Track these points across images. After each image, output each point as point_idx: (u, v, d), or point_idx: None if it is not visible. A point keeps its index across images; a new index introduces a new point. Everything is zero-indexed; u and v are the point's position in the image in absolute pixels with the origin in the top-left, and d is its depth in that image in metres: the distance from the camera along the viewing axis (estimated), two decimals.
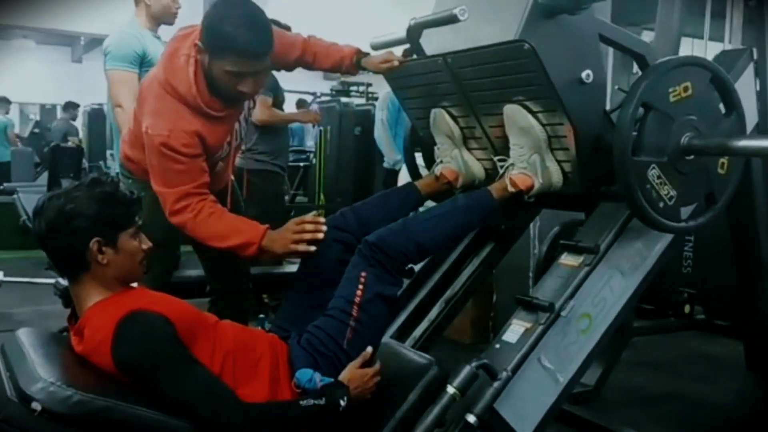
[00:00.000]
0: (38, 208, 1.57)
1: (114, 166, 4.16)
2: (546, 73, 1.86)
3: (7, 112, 10.24)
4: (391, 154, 4.83)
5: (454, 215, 2.04)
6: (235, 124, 2.21)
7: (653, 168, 1.86)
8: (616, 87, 3.78)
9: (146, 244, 1.65)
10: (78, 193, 1.56)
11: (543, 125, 2.00)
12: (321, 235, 1.94)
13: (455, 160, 2.30)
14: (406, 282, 2.33)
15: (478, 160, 2.31)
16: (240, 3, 1.97)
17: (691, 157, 1.91)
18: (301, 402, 1.55)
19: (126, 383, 1.46)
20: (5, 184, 7.42)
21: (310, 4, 9.12)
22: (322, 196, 5.98)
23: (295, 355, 1.75)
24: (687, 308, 3.44)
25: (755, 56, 2.40)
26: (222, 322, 1.73)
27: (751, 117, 2.35)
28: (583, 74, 1.93)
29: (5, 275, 4.36)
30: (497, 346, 1.83)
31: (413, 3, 2.49)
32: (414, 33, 2.19)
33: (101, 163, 8.27)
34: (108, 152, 7.42)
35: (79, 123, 10.08)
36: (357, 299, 1.77)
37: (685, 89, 1.88)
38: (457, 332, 3.77)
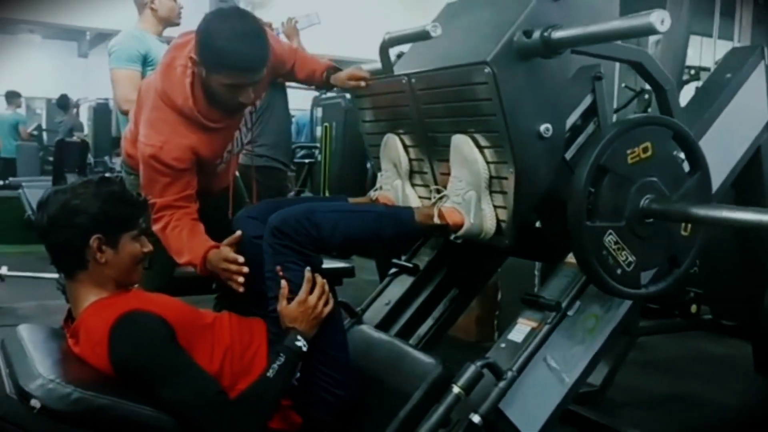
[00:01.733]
0: (43, 200, 1.57)
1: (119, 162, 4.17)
2: (501, 105, 1.76)
3: (18, 107, 10.25)
4: None
5: (365, 216, 1.92)
6: (236, 133, 2.20)
7: (610, 233, 1.74)
8: (623, 85, 3.76)
9: (147, 248, 1.64)
10: (84, 190, 1.56)
11: (487, 162, 1.89)
12: (241, 279, 1.85)
13: (395, 191, 2.20)
14: (410, 280, 2.31)
15: (419, 197, 2.19)
16: (232, 15, 1.93)
17: (651, 220, 1.79)
18: (268, 373, 1.56)
19: (124, 383, 1.45)
20: (10, 179, 7.43)
21: (314, 7, 9.09)
22: (327, 193, 5.96)
23: (270, 353, 1.72)
24: (694, 308, 3.42)
25: (766, 54, 2.36)
26: (219, 317, 1.73)
27: (762, 116, 2.33)
28: (542, 127, 1.83)
29: (9, 270, 4.36)
30: (503, 345, 1.80)
31: (424, 7, 2.45)
32: (386, 48, 2.14)
33: (106, 158, 8.27)
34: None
35: (84, 118, 10.09)
36: (286, 294, 1.71)
37: (645, 150, 1.77)
38: (461, 331, 3.76)
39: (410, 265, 2.33)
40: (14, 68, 13.03)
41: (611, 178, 1.74)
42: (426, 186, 2.18)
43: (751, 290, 2.98)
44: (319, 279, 1.69)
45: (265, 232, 1.77)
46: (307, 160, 6.81)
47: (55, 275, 3.18)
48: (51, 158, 9.32)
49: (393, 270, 2.37)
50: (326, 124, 6.02)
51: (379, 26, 2.41)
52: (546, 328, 1.77)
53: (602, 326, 1.88)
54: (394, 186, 2.20)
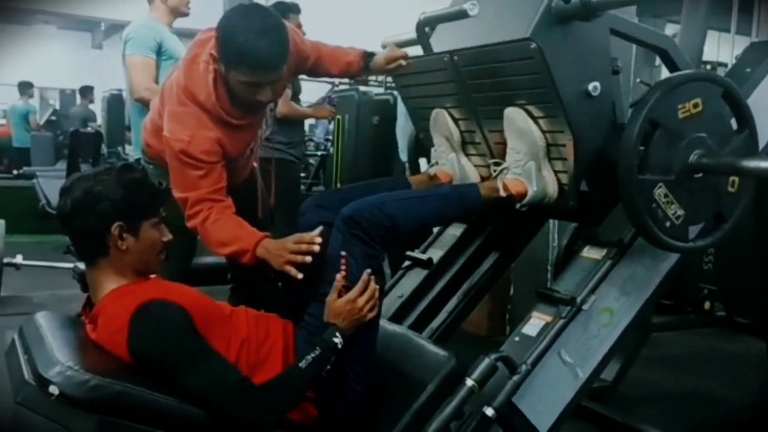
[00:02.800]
0: (66, 186, 1.59)
1: (132, 152, 4.18)
2: (551, 77, 1.81)
3: (30, 97, 10.29)
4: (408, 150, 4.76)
5: (433, 200, 1.97)
6: (258, 131, 2.20)
7: (660, 187, 1.79)
8: (638, 80, 3.74)
9: (166, 237, 1.65)
10: (107, 177, 1.57)
11: (543, 132, 1.94)
12: (317, 248, 1.83)
13: (451, 163, 2.23)
14: (424, 273, 2.31)
15: (475, 166, 2.23)
16: (252, 12, 1.92)
17: (700, 175, 1.84)
18: (300, 364, 1.56)
19: (142, 371, 1.46)
20: (24, 169, 7.47)
21: (327, 4, 9.07)
22: (339, 186, 5.96)
23: (299, 344, 1.74)
24: (707, 305, 3.40)
25: None
26: (237, 310, 1.73)
27: None
28: (590, 86, 1.87)
29: (24, 259, 4.39)
30: (516, 339, 1.80)
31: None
32: (422, 28, 2.14)
33: (119, 148, 8.30)
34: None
35: (98, 108, 10.12)
36: (343, 282, 1.71)
37: (695, 105, 1.81)
38: (473, 325, 3.75)
39: (424, 258, 2.33)
40: (29, 59, 13.08)
41: (662, 133, 1.79)
42: (481, 155, 2.22)
43: (765, 287, 2.96)
44: (372, 284, 1.69)
45: (336, 220, 1.80)
46: (319, 153, 6.82)
47: (69, 265, 3.21)
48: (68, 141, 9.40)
49: (407, 263, 2.38)
50: (339, 117, 6.02)
51: (382, 19, 2.40)
52: (560, 322, 1.78)
53: (617, 321, 1.88)
54: (450, 159, 2.24)
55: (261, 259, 1.91)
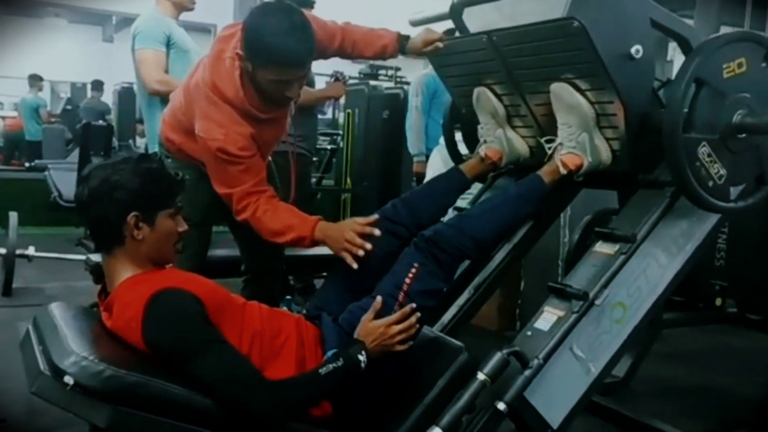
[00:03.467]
0: (85, 175, 1.60)
1: (143, 145, 4.18)
2: (595, 50, 1.83)
3: (40, 90, 10.33)
4: (417, 144, 4.74)
5: (507, 206, 2.06)
6: (286, 125, 2.21)
7: (704, 145, 1.81)
8: None
9: (182, 227, 1.66)
10: (125, 166, 1.58)
11: (591, 103, 1.97)
12: (369, 245, 1.91)
13: (498, 140, 2.28)
14: None
15: (523, 138, 2.28)
16: (276, 10, 1.93)
17: (743, 135, 1.85)
18: (320, 370, 1.56)
19: (156, 360, 1.46)
20: (36, 161, 7.51)
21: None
22: (348, 180, 5.97)
23: (327, 334, 1.75)
24: (718, 301, 3.38)
25: None
26: (250, 303, 1.74)
27: None
28: (633, 49, 1.89)
29: (36, 250, 4.41)
30: (529, 333, 1.80)
31: None
32: (457, 9, 2.16)
33: (130, 141, 8.33)
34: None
35: (109, 102, 10.16)
36: (405, 286, 1.80)
37: (740, 65, 1.83)
38: (483, 319, 3.75)
39: None
40: (39, 52, 13.12)
41: (707, 91, 1.80)
42: (528, 127, 2.26)
43: None
44: (412, 319, 1.70)
45: (417, 239, 1.91)
46: (329, 147, 6.82)
47: (81, 256, 3.22)
48: (70, 136, 9.42)
49: None
50: (349, 110, 6.02)
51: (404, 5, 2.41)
52: (573, 317, 1.77)
53: (630, 317, 1.87)
54: (497, 136, 2.29)
55: (317, 243, 1.99)
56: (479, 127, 2.35)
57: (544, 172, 2.10)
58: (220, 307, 1.59)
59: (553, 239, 3.47)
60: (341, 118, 6.70)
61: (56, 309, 1.68)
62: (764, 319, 3.37)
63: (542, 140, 2.17)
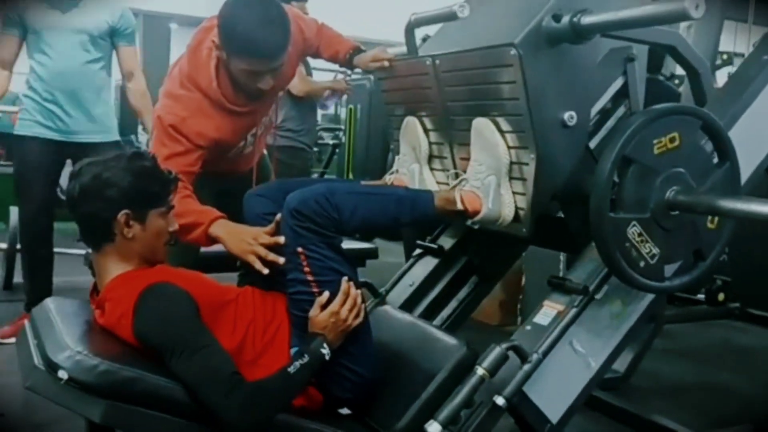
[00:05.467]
0: (76, 171, 1.59)
1: (145, 141, 4.18)
2: (526, 88, 1.74)
3: None
4: None
5: (385, 199, 1.87)
6: (264, 118, 2.20)
7: (634, 225, 1.70)
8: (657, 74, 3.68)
9: (173, 226, 1.65)
10: (116, 164, 1.57)
11: (509, 147, 1.87)
12: (282, 260, 1.77)
13: (411, 174, 2.15)
14: (435, 261, 2.30)
15: (437, 183, 2.16)
16: (255, 1, 1.92)
17: (677, 212, 1.75)
18: (289, 369, 1.54)
19: (149, 355, 1.46)
20: None
21: None
22: (351, 175, 5.95)
23: (292, 338, 1.71)
24: (721, 296, 3.37)
25: None
26: (243, 292, 1.73)
27: None
28: (566, 115, 1.80)
29: None
30: (528, 327, 1.79)
31: None
32: (412, 29, 2.12)
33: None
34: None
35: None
36: (309, 276, 1.68)
37: (672, 140, 1.72)
38: (484, 314, 3.75)
39: (435, 246, 2.32)
40: None
41: (636, 169, 1.70)
42: (444, 170, 2.15)
43: None
44: (353, 291, 1.66)
45: (284, 212, 1.72)
46: (331, 142, 6.81)
47: (81, 251, 3.21)
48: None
49: (417, 251, 2.36)
50: (351, 106, 6.00)
51: (405, 8, 2.39)
52: (572, 311, 1.76)
53: (630, 311, 1.86)
54: (411, 170, 2.16)
55: (212, 239, 1.91)
56: (397, 157, 2.24)
57: (440, 196, 1.92)
58: (212, 301, 1.58)
59: None
60: (343, 113, 6.68)
61: (52, 303, 1.68)
62: (766, 314, 3.37)
63: (451, 171, 2.06)
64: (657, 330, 3.01)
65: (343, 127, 6.47)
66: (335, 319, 1.63)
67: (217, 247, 2.29)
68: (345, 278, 1.68)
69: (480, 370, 1.59)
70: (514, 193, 1.90)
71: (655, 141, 1.70)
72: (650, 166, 1.71)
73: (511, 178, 1.90)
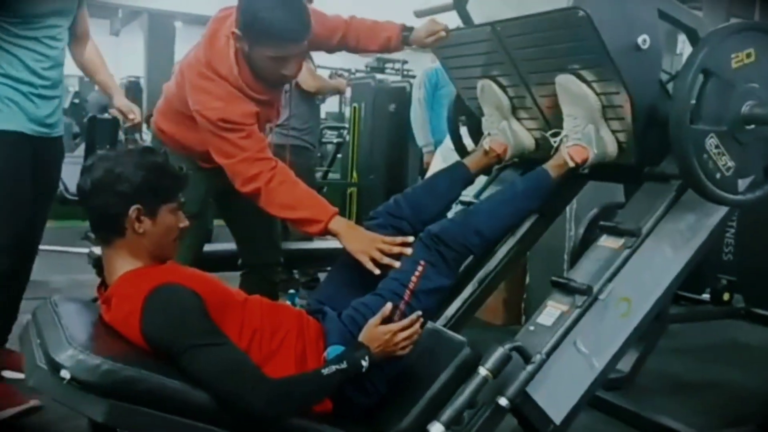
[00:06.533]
0: (88, 165, 1.59)
1: (149, 139, 4.17)
2: (601, 40, 1.81)
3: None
4: (423, 136, 4.74)
5: (514, 202, 2.06)
6: (279, 105, 2.19)
7: (711, 137, 1.78)
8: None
9: (183, 223, 1.65)
10: (129, 158, 1.58)
11: (597, 94, 1.95)
12: (397, 264, 1.88)
13: (503, 132, 2.26)
14: None
15: (528, 130, 2.26)
16: None
17: (752, 126, 1.82)
18: (323, 371, 1.54)
19: (154, 354, 1.45)
20: None
21: None
22: (354, 174, 5.95)
23: (330, 330, 1.73)
24: (726, 296, 3.35)
25: None
26: (251, 299, 1.73)
27: None
28: (639, 39, 1.86)
29: (42, 244, 4.41)
30: (531, 328, 1.78)
31: None
32: (461, 1, 2.14)
33: (137, 135, 8.31)
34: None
35: None
36: (411, 285, 1.79)
37: (748, 56, 1.79)
38: (488, 314, 3.74)
39: None
40: None
41: (715, 82, 1.77)
42: (533, 119, 2.24)
43: None
44: (416, 326, 1.68)
45: (423, 235, 1.90)
46: (335, 140, 6.81)
47: (86, 250, 3.22)
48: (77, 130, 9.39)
49: None
50: (355, 104, 6.00)
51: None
52: (576, 312, 1.75)
53: (634, 311, 1.85)
54: (501, 128, 2.26)
55: (329, 233, 1.95)
56: (483, 119, 2.33)
57: (551, 166, 2.07)
58: (221, 303, 1.58)
59: (559, 233, 3.45)
60: (347, 111, 6.68)
61: (57, 302, 1.67)
62: None
63: (548, 134, 2.14)
64: (662, 329, 2.99)
65: (347, 125, 6.46)
66: (389, 338, 1.63)
67: (219, 246, 2.30)
68: (419, 313, 1.70)
69: (483, 371, 1.59)
70: (613, 131, 2.00)
71: (733, 55, 1.78)
72: (728, 79, 1.78)
73: (606, 119, 1.99)
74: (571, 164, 2.03)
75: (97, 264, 2.55)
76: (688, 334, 3.69)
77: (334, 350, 1.65)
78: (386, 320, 1.68)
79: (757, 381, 3.22)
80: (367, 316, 1.72)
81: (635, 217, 1.89)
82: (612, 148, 2.02)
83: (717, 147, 1.79)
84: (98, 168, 1.56)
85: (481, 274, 2.30)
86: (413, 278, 1.80)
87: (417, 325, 1.68)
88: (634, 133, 1.97)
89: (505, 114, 2.25)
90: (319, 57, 3.95)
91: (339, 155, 6.70)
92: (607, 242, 1.89)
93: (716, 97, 1.78)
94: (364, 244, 1.92)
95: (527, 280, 3.87)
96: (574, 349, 1.76)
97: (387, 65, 9.08)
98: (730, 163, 1.82)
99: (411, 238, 1.94)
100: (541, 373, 1.67)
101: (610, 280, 1.78)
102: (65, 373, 1.33)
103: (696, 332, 3.75)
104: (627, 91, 1.89)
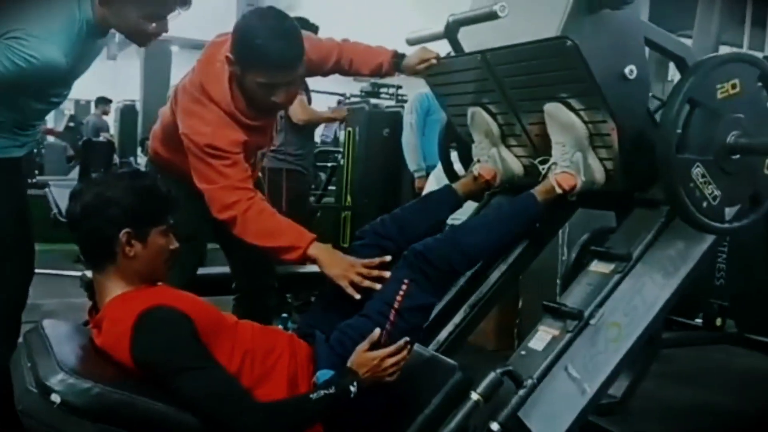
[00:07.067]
0: (77, 190, 1.59)
1: (144, 162, 4.19)
2: (589, 69, 1.83)
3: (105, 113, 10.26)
4: (414, 160, 4.76)
5: (500, 223, 2.06)
6: (272, 132, 2.20)
7: (698, 166, 1.81)
8: (651, 94, 3.71)
9: (173, 245, 1.65)
10: (118, 182, 1.58)
11: (585, 123, 1.98)
12: (378, 286, 1.88)
13: (493, 159, 2.28)
14: None
15: (517, 157, 2.28)
16: (268, 14, 1.97)
17: (737, 156, 1.86)
18: (311, 395, 1.54)
19: (144, 378, 1.45)
20: (38, 178, 7.53)
21: (335, 9, 9.14)
22: (349, 197, 5.96)
23: (320, 353, 1.73)
24: (718, 321, 3.36)
25: None
26: (242, 322, 1.73)
27: None
28: (627, 69, 1.89)
29: (35, 267, 4.40)
30: (523, 353, 1.79)
31: (436, 6, 2.46)
32: (452, 30, 2.17)
33: (132, 158, 8.35)
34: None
35: (111, 119, 10.21)
36: (396, 304, 1.78)
37: (733, 86, 1.83)
38: (481, 338, 3.72)
39: None
40: None
41: (701, 112, 1.80)
42: (522, 146, 2.26)
43: None
44: (404, 352, 1.68)
45: (407, 253, 1.88)
46: (330, 164, 6.83)
47: (78, 273, 3.21)
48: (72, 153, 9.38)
49: None
50: (349, 128, 6.02)
51: (392, 27, 2.42)
52: (567, 336, 1.76)
53: (625, 336, 1.86)
54: (491, 155, 2.29)
55: (309, 259, 1.94)
56: (473, 146, 2.35)
57: (539, 191, 2.09)
58: (211, 325, 1.58)
59: (551, 257, 3.45)
60: (342, 136, 6.71)
61: (48, 326, 1.67)
62: (765, 340, 3.35)
63: (536, 161, 2.16)
64: (654, 354, 2.99)
65: (341, 149, 6.49)
66: (377, 363, 1.64)
67: (213, 269, 2.29)
68: (406, 339, 1.70)
69: (475, 396, 1.59)
70: (601, 159, 2.02)
71: (718, 86, 1.82)
72: (714, 109, 1.82)
73: (594, 147, 2.02)
74: (559, 191, 2.05)
75: (89, 287, 2.54)
76: (681, 359, 3.69)
77: (323, 375, 1.65)
78: (375, 345, 1.68)
79: (748, 406, 3.22)
80: (354, 338, 1.72)
81: (626, 242, 1.91)
82: (600, 176, 2.04)
83: (703, 176, 1.82)
84: (87, 193, 1.57)
85: (473, 299, 2.32)
86: (398, 297, 1.79)
87: (405, 351, 1.68)
88: (621, 161, 1.99)
89: (495, 141, 2.27)
90: (314, 82, 3.97)
91: (334, 179, 6.71)
92: (598, 267, 1.90)
93: (702, 126, 1.82)
94: (343, 268, 1.91)
95: (520, 304, 3.87)
96: (565, 374, 1.76)
97: (381, 90, 9.15)
98: (717, 192, 1.85)
99: (389, 258, 1.93)
100: (532, 397, 1.67)
101: (600, 305, 1.79)
102: (56, 397, 1.33)
103: (689, 357, 3.74)
104: (614, 120, 1.91)
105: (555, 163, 2.06)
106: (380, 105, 6.75)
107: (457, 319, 2.32)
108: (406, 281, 1.81)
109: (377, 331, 1.71)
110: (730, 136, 1.84)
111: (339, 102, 4.41)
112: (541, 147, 2.16)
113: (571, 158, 2.02)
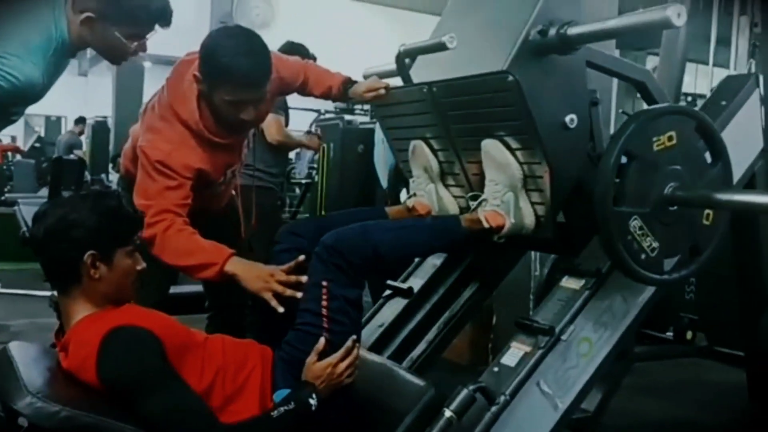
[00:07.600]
0: (40, 213, 1.56)
1: (116, 180, 4.16)
2: (528, 109, 1.81)
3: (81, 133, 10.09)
4: (387, 177, 4.78)
5: (417, 231, 1.98)
6: (244, 150, 2.20)
7: (635, 219, 1.79)
8: (620, 111, 3.77)
9: (140, 265, 1.63)
10: (81, 204, 1.56)
11: (520, 163, 1.94)
12: (299, 295, 1.80)
13: (429, 195, 2.23)
14: (404, 302, 2.30)
15: (454, 197, 2.24)
16: (236, 33, 1.98)
17: (675, 208, 1.84)
18: (272, 413, 1.53)
19: (112, 399, 1.43)
20: (6, 196, 7.42)
21: (309, 31, 9.19)
22: (323, 213, 5.95)
23: (276, 373, 1.71)
24: (689, 334, 3.40)
25: (761, 82, 2.38)
26: (211, 338, 1.71)
27: (756, 143, 2.34)
28: (568, 118, 1.88)
29: (3, 287, 4.34)
30: (495, 369, 1.80)
31: (412, 29, 2.48)
32: (402, 59, 2.17)
33: (103, 175, 8.26)
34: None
35: (83, 136, 10.12)
36: (324, 311, 1.71)
37: (670, 138, 1.82)
38: (455, 354, 3.73)
39: (404, 287, 2.32)
40: None
41: (637, 164, 1.79)
42: (460, 186, 2.22)
43: (745, 318, 2.97)
44: (354, 351, 1.67)
45: (318, 248, 1.78)
46: (304, 181, 6.83)
47: (48, 293, 3.17)
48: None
49: (387, 292, 2.37)
50: (324, 145, 6.03)
51: (367, 42, 2.44)
52: (539, 352, 1.77)
53: (596, 351, 1.88)
54: (428, 190, 2.24)
55: (227, 276, 1.89)
56: (411, 180, 2.31)
57: (465, 218, 2.03)
58: (179, 344, 1.56)
59: (524, 273, 3.48)
60: (317, 155, 6.72)
61: (14, 349, 1.64)
62: (735, 353, 3.40)
63: (468, 195, 2.13)
64: (626, 368, 3.02)
65: (315, 166, 6.49)
66: (331, 371, 1.63)
67: (186, 288, 2.26)
68: (353, 337, 1.69)
69: (447, 413, 1.60)
70: (532, 203, 1.98)
71: (654, 138, 1.80)
72: (650, 161, 1.80)
73: (527, 190, 1.98)
74: (485, 225, 1.98)
75: (58, 308, 2.53)
76: (653, 373, 3.73)
77: (280, 394, 1.64)
78: (322, 353, 1.66)
79: (718, 417, 3.26)
80: (296, 354, 1.69)
81: (595, 259, 1.93)
82: (529, 221, 1.98)
83: (641, 228, 1.80)
84: (50, 215, 1.54)
85: (445, 316, 2.33)
86: (323, 303, 1.72)
87: (355, 351, 1.67)
88: (552, 208, 1.95)
89: (434, 177, 2.23)
90: (290, 99, 3.97)
91: (308, 195, 6.71)
92: (569, 283, 1.92)
93: (639, 179, 1.80)
94: (263, 280, 1.85)
95: (494, 320, 3.88)
96: (537, 390, 1.78)
97: (356, 107, 9.17)
98: (655, 244, 1.82)
99: (302, 257, 1.86)
100: (505, 414, 1.69)
101: (572, 321, 1.81)
102: (23, 421, 1.31)
103: (661, 370, 3.78)
104: (549, 165, 1.88)
105: (485, 200, 2.02)
106: (354, 121, 6.77)
107: (430, 336, 2.33)
108: (324, 283, 1.73)
109: (321, 340, 1.67)
110: (668, 188, 1.82)
111: (308, 132, 4.38)
112: (477, 186, 2.12)
113: (503, 197, 1.98)
